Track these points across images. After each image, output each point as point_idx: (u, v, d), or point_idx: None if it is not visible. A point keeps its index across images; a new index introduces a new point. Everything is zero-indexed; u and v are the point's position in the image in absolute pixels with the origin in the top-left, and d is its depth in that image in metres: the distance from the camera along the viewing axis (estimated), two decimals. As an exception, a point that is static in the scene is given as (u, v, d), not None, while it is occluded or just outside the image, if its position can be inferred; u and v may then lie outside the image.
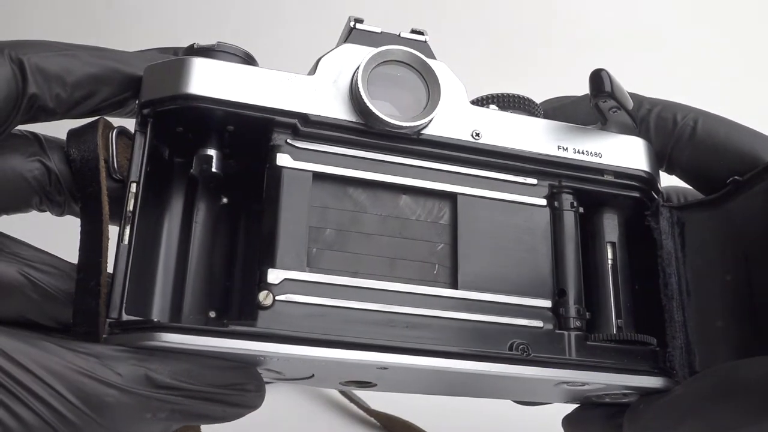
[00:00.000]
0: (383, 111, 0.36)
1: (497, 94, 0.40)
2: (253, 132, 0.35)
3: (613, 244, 0.40)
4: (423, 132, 0.37)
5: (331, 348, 0.33)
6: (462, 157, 0.37)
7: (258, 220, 0.35)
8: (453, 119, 0.37)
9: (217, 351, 0.31)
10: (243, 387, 0.32)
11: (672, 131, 0.41)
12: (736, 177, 0.40)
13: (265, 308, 0.33)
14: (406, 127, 0.36)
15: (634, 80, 0.44)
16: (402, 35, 0.38)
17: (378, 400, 0.59)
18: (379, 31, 0.38)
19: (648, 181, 0.40)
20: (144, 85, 0.35)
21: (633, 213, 0.41)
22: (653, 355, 0.38)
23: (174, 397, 0.30)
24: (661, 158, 0.42)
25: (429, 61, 0.37)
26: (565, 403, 0.42)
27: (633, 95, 0.42)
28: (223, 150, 0.36)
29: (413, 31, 0.38)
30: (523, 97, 0.41)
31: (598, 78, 0.37)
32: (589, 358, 0.36)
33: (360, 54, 0.36)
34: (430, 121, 0.36)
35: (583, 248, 0.40)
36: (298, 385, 0.42)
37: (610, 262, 0.40)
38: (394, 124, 0.36)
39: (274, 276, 0.33)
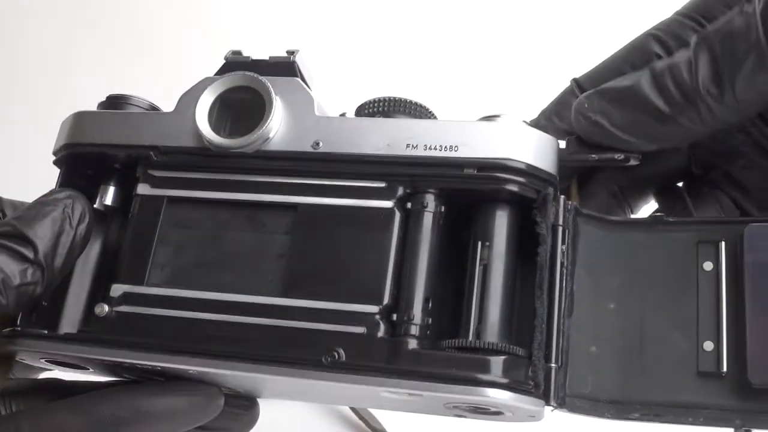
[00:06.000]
0: (222, 134, 0.38)
1: (380, 99, 0.40)
2: (128, 167, 0.41)
3: (485, 245, 0.36)
4: (262, 148, 0.38)
5: (148, 352, 0.36)
6: (304, 169, 0.38)
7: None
8: (295, 132, 0.38)
9: (52, 354, 0.37)
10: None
11: None
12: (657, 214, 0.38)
13: (101, 318, 0.38)
14: (235, 147, 0.38)
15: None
16: (271, 57, 0.40)
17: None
18: (250, 60, 0.41)
19: (522, 172, 0.36)
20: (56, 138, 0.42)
21: (526, 211, 0.37)
22: (511, 366, 0.34)
23: None
24: None
25: (267, 80, 0.38)
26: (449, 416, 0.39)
27: None
28: (122, 186, 0.42)
29: (288, 52, 0.40)
30: (407, 100, 0.39)
31: None
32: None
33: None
34: (264, 138, 0.38)
35: (457, 251, 0.37)
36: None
37: (479, 264, 0.36)
38: (222, 145, 0.38)
39: (114, 290, 0.38)
